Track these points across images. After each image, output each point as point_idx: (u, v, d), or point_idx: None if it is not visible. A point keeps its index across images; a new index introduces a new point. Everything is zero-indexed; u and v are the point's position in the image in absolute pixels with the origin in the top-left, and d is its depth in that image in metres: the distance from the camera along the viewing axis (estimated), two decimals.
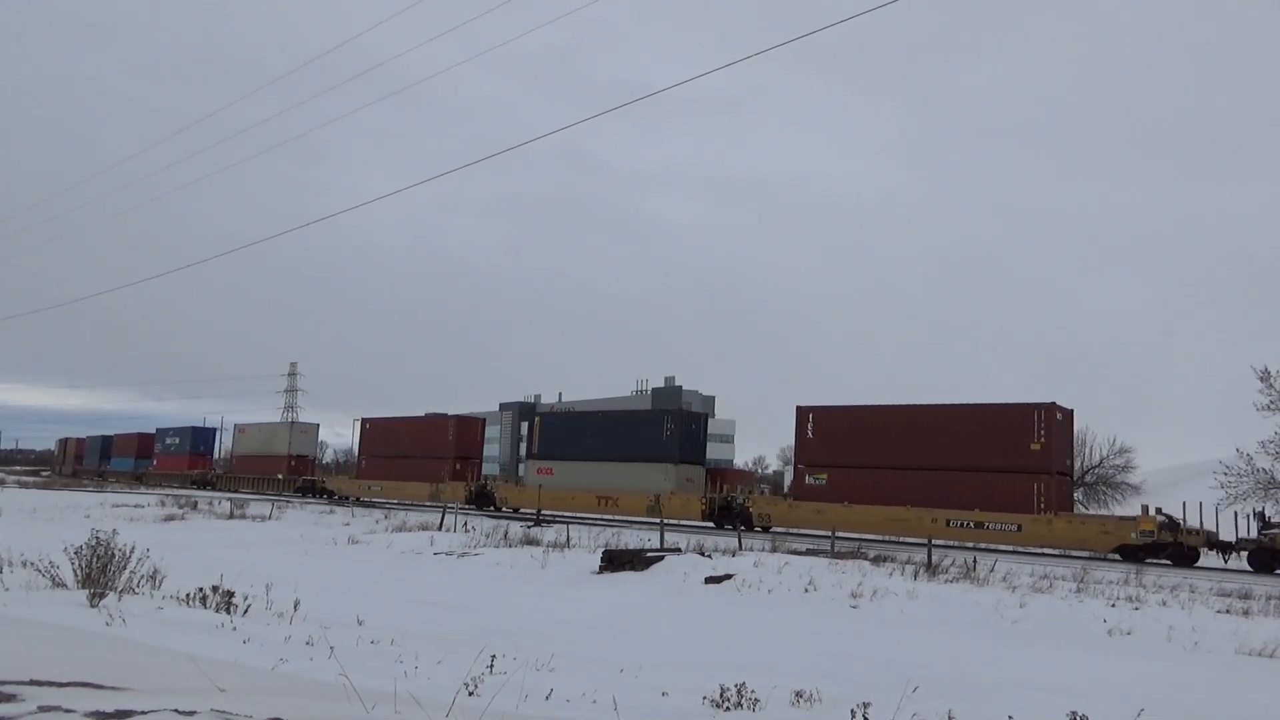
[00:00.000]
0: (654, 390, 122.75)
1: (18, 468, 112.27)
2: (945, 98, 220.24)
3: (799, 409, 30.82)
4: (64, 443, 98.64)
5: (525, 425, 51.65)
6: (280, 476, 55.95)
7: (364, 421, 49.04)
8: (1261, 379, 28.78)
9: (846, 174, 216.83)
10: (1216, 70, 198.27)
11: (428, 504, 40.74)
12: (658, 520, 29.10)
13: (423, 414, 49.40)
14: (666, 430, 34.86)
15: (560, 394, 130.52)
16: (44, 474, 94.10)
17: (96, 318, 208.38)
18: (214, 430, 72.53)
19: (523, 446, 58.49)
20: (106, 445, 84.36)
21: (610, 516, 34.65)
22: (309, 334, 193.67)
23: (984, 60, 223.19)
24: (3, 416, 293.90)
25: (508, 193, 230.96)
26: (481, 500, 40.67)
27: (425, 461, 44.05)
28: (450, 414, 46.38)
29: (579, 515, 35.48)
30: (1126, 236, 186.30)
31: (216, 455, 72.07)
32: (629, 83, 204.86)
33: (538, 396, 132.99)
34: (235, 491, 56.15)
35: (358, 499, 47.60)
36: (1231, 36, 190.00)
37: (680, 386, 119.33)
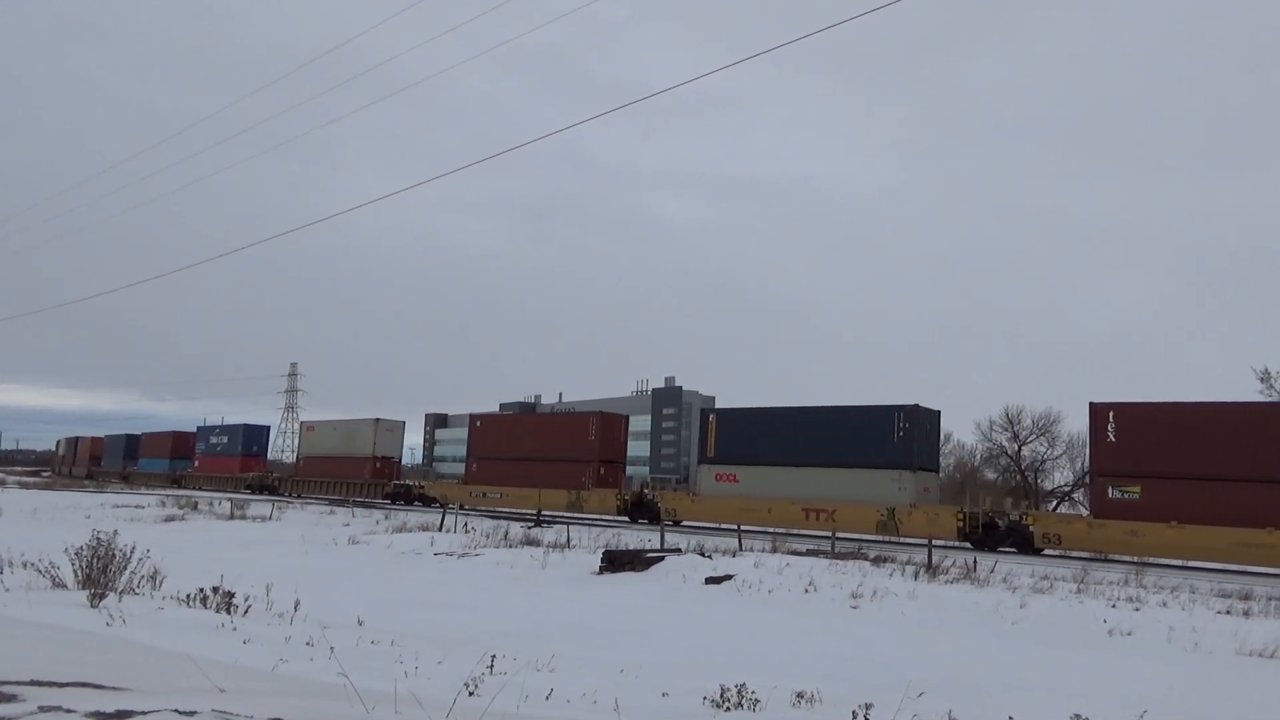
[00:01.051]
0: (654, 390, 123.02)
1: (18, 468, 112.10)
2: (948, 97, 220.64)
3: (1095, 406, 25.00)
4: (73, 442, 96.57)
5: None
6: (364, 481, 48.53)
7: (474, 419, 43.11)
8: (1262, 379, 28.81)
9: (848, 173, 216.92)
10: (1217, 70, 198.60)
11: (567, 516, 35.22)
12: (894, 539, 26.14)
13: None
14: (898, 429, 28.48)
15: (560, 394, 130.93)
16: (44, 474, 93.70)
17: (96, 318, 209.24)
18: (267, 428, 66.47)
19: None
20: (132, 445, 78.63)
21: (828, 534, 25.81)
22: (309, 334, 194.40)
23: (986, 59, 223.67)
24: (3, 416, 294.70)
25: (507, 192, 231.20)
26: (639, 511, 34.87)
27: (559, 465, 37.71)
28: (593, 410, 40.40)
29: (777, 530, 28.57)
30: (1129, 236, 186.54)
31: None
32: (629, 80, 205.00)
33: (538, 397, 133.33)
34: (305, 496, 50.83)
35: (461, 506, 39.90)
36: (1232, 36, 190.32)
37: (680, 387, 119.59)
